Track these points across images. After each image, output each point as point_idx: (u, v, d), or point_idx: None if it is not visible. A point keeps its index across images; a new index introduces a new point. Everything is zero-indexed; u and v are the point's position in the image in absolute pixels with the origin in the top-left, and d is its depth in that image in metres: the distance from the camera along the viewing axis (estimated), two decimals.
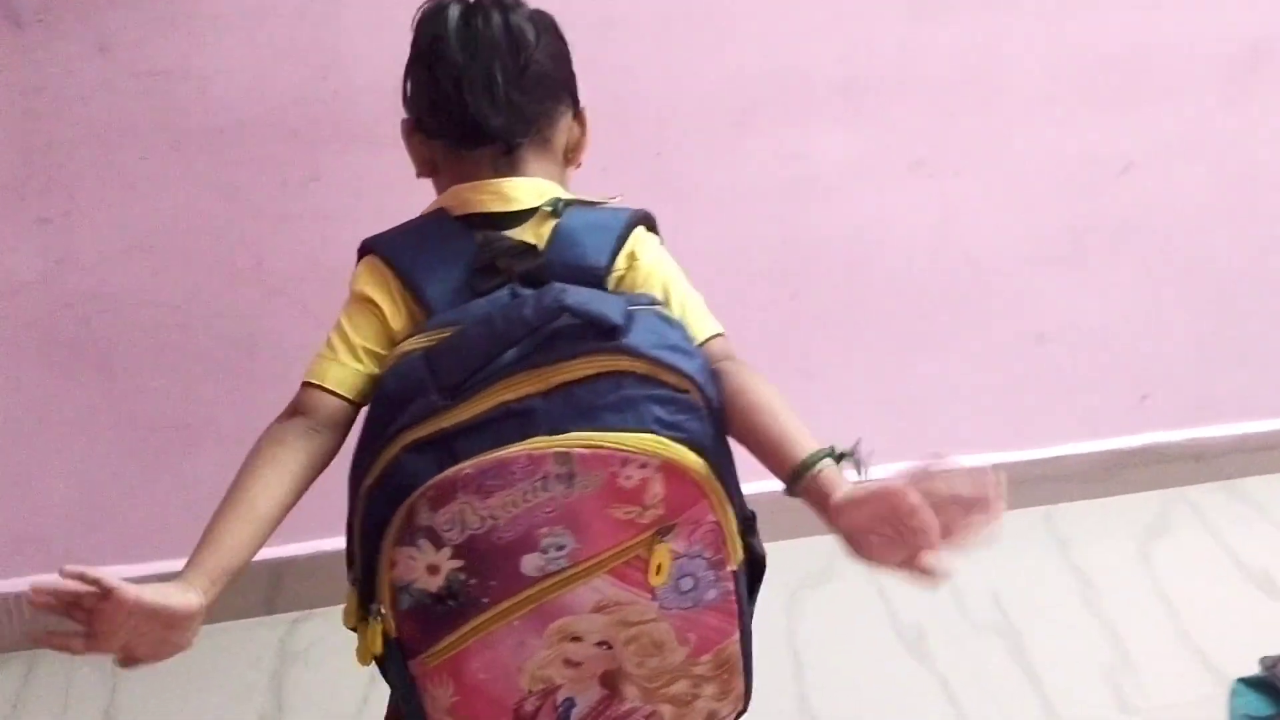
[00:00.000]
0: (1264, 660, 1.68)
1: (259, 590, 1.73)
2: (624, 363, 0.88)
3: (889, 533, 0.81)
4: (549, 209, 0.98)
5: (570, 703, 0.96)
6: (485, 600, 0.90)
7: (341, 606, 1.71)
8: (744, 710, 1.03)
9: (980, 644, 1.76)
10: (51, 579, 0.79)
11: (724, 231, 1.63)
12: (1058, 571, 1.92)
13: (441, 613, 0.90)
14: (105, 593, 0.79)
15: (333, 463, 1.61)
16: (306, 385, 0.96)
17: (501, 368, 0.87)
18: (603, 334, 0.88)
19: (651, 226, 1.04)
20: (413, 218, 1.03)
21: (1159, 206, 1.84)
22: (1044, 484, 2.02)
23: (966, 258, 1.80)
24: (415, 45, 1.01)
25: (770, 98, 1.57)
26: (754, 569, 0.99)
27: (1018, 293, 1.86)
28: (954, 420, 1.94)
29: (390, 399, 0.90)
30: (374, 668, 1.64)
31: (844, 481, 0.87)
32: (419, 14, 1.01)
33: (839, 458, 0.89)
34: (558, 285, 0.89)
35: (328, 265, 1.47)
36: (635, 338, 0.89)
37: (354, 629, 0.95)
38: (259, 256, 1.49)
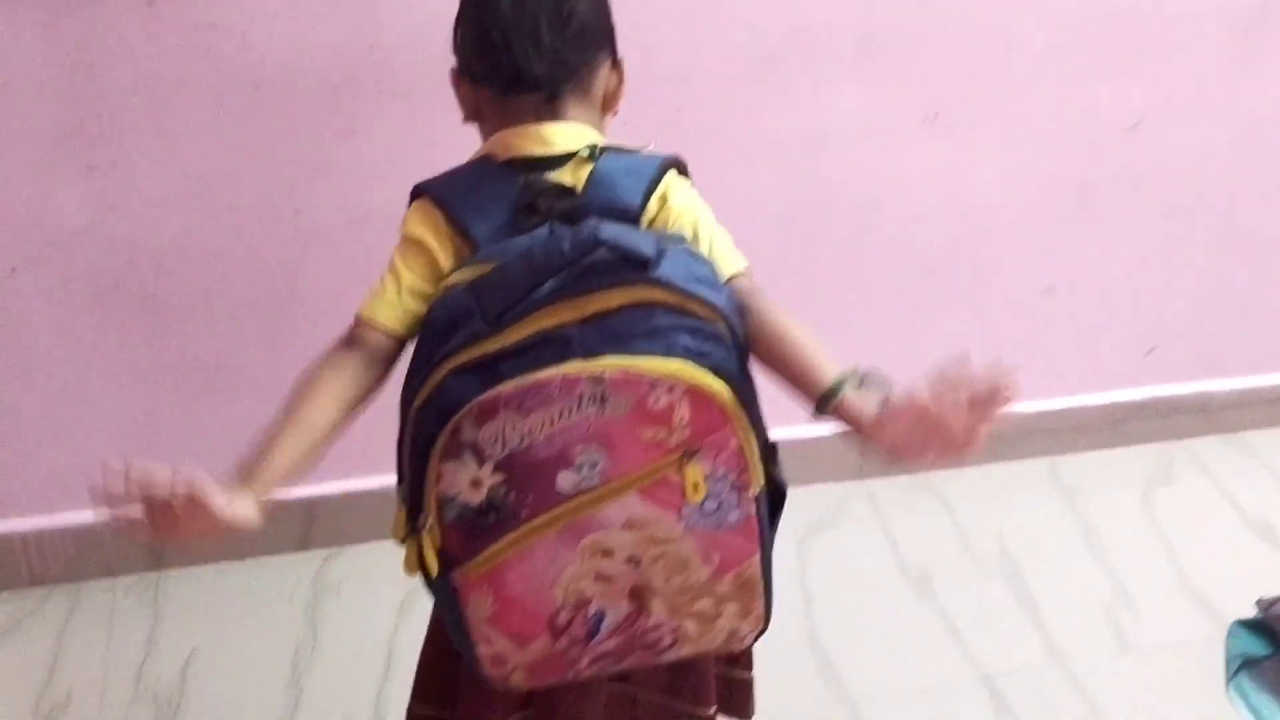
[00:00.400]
0: (1260, 602, 1.72)
1: (293, 527, 1.79)
2: (655, 294, 0.93)
3: (921, 438, 0.89)
4: (585, 154, 1.03)
5: (600, 615, 1.02)
6: (523, 514, 0.96)
7: (372, 543, 1.79)
8: (764, 630, 1.08)
9: (984, 585, 1.81)
10: (161, 477, 0.84)
11: (740, 183, 1.67)
12: (1061, 519, 1.96)
13: (483, 525, 0.96)
14: (200, 507, 0.85)
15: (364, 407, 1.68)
16: (360, 321, 1.02)
17: (540, 298, 0.91)
18: (635, 267, 0.92)
19: (683, 171, 1.09)
20: (460, 164, 1.07)
21: (1167, 162, 1.86)
22: (1050, 435, 2.06)
23: (977, 211, 1.82)
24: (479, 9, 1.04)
25: (788, 53, 1.60)
26: (775, 497, 1.04)
27: (1026, 246, 1.88)
28: None
29: (438, 327, 0.95)
30: (405, 599, 1.72)
31: (869, 402, 0.94)
32: None
33: (861, 380, 0.95)
34: (593, 221, 0.94)
35: (363, 215, 1.53)
36: (666, 270, 0.93)
37: (402, 541, 1.01)
38: (297, 206, 1.53)
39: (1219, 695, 1.65)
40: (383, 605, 1.71)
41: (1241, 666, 1.65)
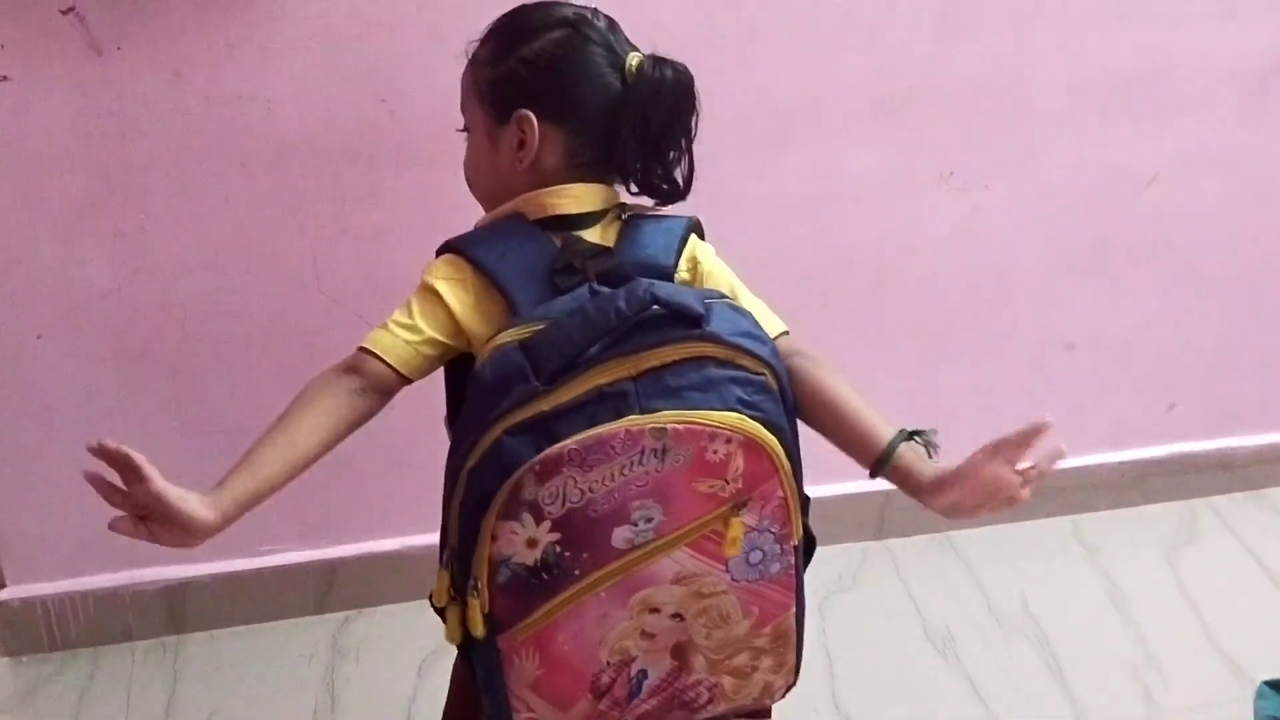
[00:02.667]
0: None
1: (312, 590, 1.79)
2: (707, 348, 0.95)
3: (976, 499, 0.96)
4: (616, 214, 1.06)
5: (643, 674, 1.02)
6: (577, 572, 0.96)
7: (391, 605, 1.78)
8: (794, 684, 1.08)
9: (1009, 647, 1.79)
10: (112, 444, 0.88)
11: (758, 241, 1.68)
12: (1086, 578, 1.94)
13: (536, 585, 0.96)
14: (139, 478, 0.88)
15: (375, 469, 1.69)
16: (362, 350, 1.03)
17: (594, 355, 0.93)
18: (687, 323, 0.95)
19: (701, 233, 1.12)
20: (488, 220, 1.09)
21: (1184, 218, 1.87)
22: (1072, 493, 2.05)
23: (994, 268, 1.83)
24: (583, 59, 1.04)
25: (804, 113, 1.62)
26: (807, 549, 1.06)
27: (1045, 303, 1.88)
28: (982, 429, 1.96)
29: (490, 387, 0.94)
30: (424, 662, 1.71)
31: (924, 462, 0.99)
32: (588, 32, 1.05)
33: (911, 436, 1.01)
34: (645, 280, 0.96)
35: (385, 279, 1.55)
36: (715, 326, 0.96)
37: (441, 609, 1.00)
38: (319, 271, 1.55)
39: None
40: (402, 668, 1.70)
41: None
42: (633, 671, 1.02)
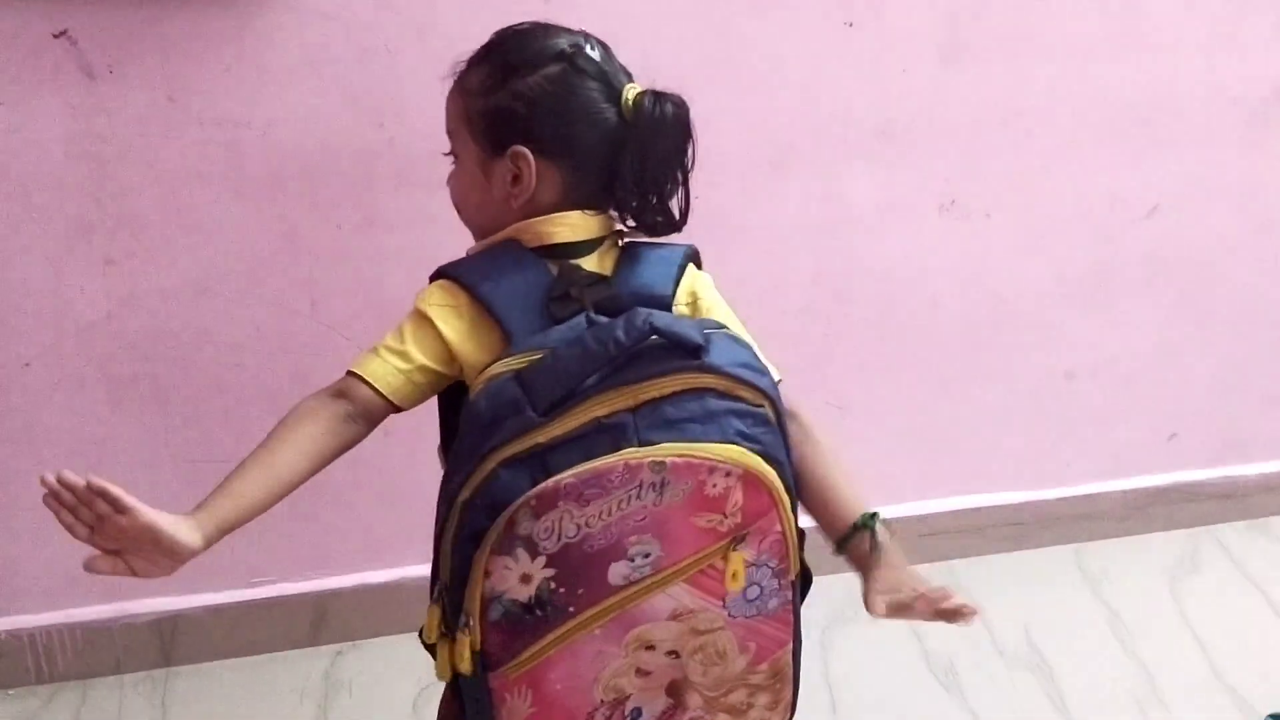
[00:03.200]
0: None
1: (304, 622, 1.76)
2: (707, 379, 0.93)
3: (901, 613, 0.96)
4: (613, 242, 1.04)
5: (638, 712, 1.00)
6: (571, 609, 0.94)
7: (384, 638, 1.76)
8: None
9: (1012, 679, 1.77)
10: (75, 478, 0.85)
11: (759, 270, 1.67)
12: (1088, 608, 1.93)
13: (529, 622, 0.94)
14: (122, 510, 0.86)
15: (368, 500, 1.66)
16: (351, 375, 1.01)
17: (591, 386, 0.91)
18: (686, 353, 0.93)
19: (699, 262, 1.09)
20: (481, 246, 1.07)
21: (1185, 247, 1.87)
22: (1073, 522, 2.04)
23: (996, 296, 1.82)
24: (579, 95, 1.01)
25: (806, 141, 1.61)
26: (803, 583, 1.04)
27: (1046, 331, 1.88)
28: (983, 458, 1.96)
29: (483, 418, 0.92)
30: (418, 697, 1.68)
31: (876, 559, 0.99)
32: (597, 74, 1.02)
33: (872, 520, 1.01)
34: (643, 310, 0.94)
35: (381, 305, 1.53)
36: (715, 357, 0.94)
37: (431, 645, 0.98)
38: (314, 297, 1.53)
39: None
40: (396, 703, 1.67)
41: None
42: (627, 710, 1.00)
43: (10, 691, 1.68)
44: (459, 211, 1.11)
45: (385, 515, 1.70)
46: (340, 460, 1.65)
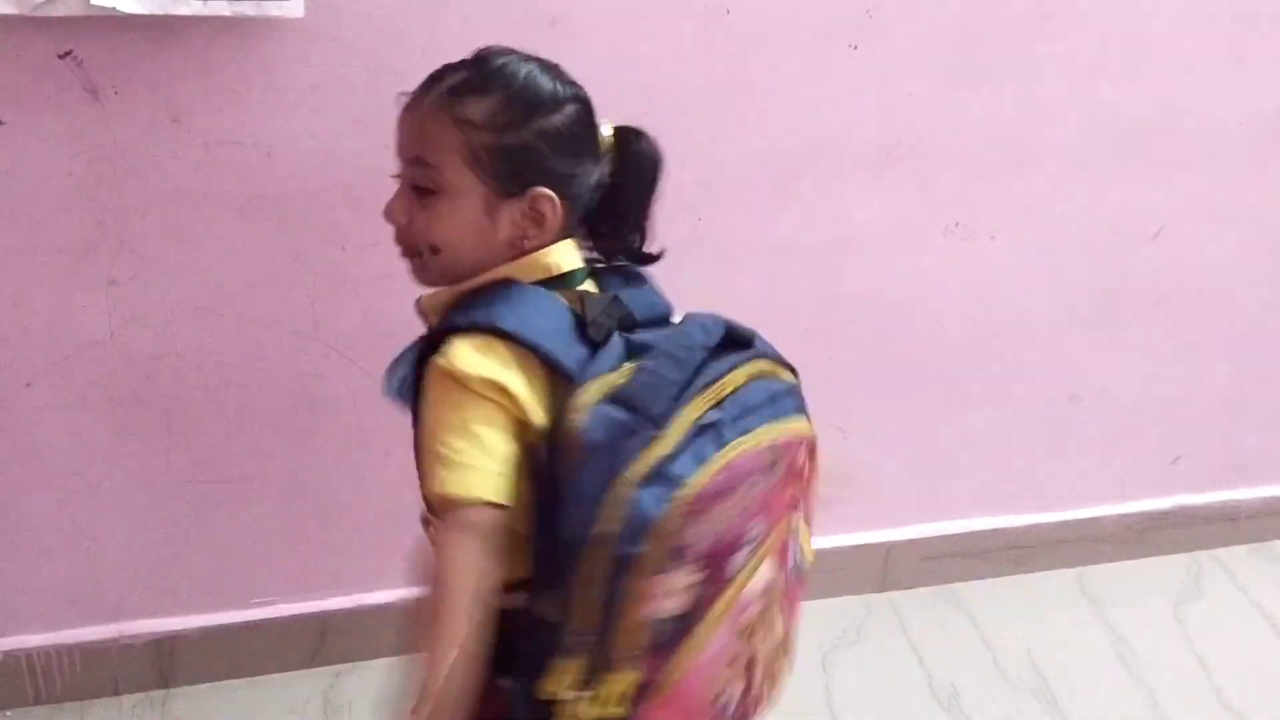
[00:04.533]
0: None
1: (304, 643, 1.75)
2: (762, 365, 1.01)
3: None
4: (595, 268, 1.08)
5: (727, 703, 1.00)
6: (705, 608, 0.94)
7: (384, 659, 1.74)
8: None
9: (1015, 703, 1.77)
10: None
11: (763, 291, 1.67)
12: (1092, 632, 1.92)
13: (671, 632, 0.92)
14: None
15: (369, 520, 1.66)
16: (464, 503, 0.92)
17: (691, 392, 0.95)
18: (739, 346, 1.00)
19: None
20: (467, 289, 1.02)
21: (1190, 270, 1.87)
22: (1076, 545, 2.04)
23: (1000, 319, 1.82)
24: (592, 136, 1.04)
25: (810, 163, 1.61)
26: None
27: (1050, 354, 1.88)
28: (986, 481, 1.96)
29: (602, 446, 0.90)
30: None
31: None
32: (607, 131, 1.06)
33: None
34: (700, 313, 1.01)
35: (384, 326, 1.52)
36: (759, 345, 1.03)
37: (554, 703, 0.93)
38: (317, 318, 1.52)
39: None
40: None
41: None
42: (720, 703, 0.99)
43: (8, 713, 1.67)
44: (443, 249, 1.02)
45: (386, 536, 1.69)
46: (341, 481, 1.65)
